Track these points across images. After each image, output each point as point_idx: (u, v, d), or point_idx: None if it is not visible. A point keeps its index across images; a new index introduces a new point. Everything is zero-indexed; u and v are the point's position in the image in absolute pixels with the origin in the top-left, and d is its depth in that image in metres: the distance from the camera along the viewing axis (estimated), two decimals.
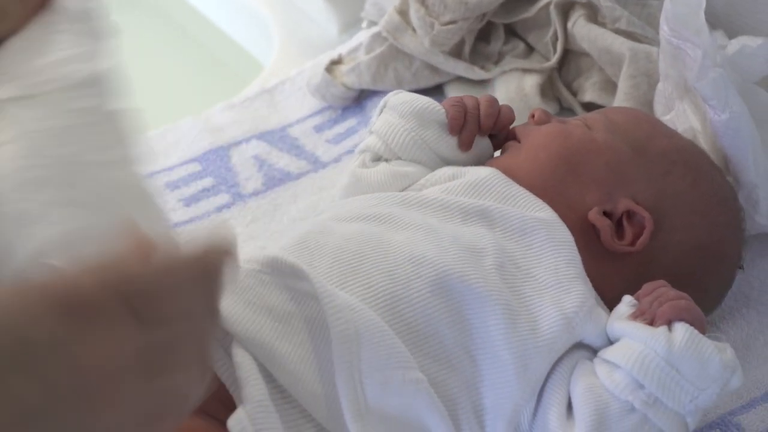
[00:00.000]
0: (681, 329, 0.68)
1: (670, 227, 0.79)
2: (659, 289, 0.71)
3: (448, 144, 0.85)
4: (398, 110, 0.85)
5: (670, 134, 0.85)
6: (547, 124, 0.83)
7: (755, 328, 0.86)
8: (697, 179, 0.81)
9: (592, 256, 0.76)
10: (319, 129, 1.11)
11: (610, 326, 0.71)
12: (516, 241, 0.74)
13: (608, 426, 0.67)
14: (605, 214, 0.78)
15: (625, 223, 0.78)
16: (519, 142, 0.83)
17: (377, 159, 0.86)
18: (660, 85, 0.94)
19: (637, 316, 0.70)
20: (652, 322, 0.69)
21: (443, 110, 0.85)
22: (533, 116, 0.85)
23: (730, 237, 0.82)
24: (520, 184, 0.79)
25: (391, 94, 0.87)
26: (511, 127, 0.85)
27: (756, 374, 0.82)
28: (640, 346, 0.67)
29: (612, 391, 0.68)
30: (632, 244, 0.77)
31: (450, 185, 0.80)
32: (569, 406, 0.69)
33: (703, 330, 0.69)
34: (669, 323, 0.68)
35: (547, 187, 0.79)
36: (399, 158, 0.85)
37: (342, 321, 0.65)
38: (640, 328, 0.68)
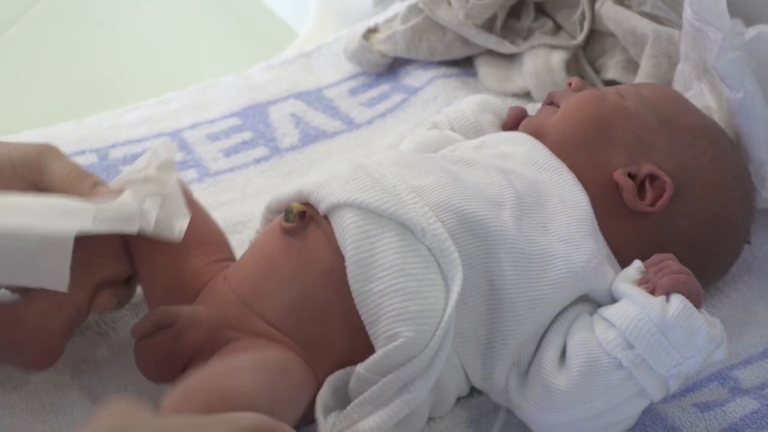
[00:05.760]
0: (676, 300, 0.71)
1: (688, 195, 0.82)
2: (665, 261, 0.74)
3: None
4: (468, 100, 0.94)
5: (696, 112, 0.88)
6: (584, 90, 0.88)
7: (756, 294, 0.90)
8: (717, 155, 0.84)
9: (612, 213, 0.80)
10: (353, 92, 1.15)
11: (615, 286, 0.75)
12: (533, 198, 0.78)
13: (595, 377, 0.71)
14: (629, 176, 0.81)
15: (647, 185, 0.81)
16: (557, 106, 0.87)
17: (433, 128, 0.92)
18: (680, 66, 0.97)
19: (641, 283, 0.73)
20: (653, 291, 0.72)
21: (505, 108, 0.92)
22: (570, 84, 0.89)
23: (741, 211, 0.86)
24: (550, 141, 0.83)
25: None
26: (549, 92, 0.90)
27: (754, 335, 0.86)
28: (636, 310, 0.71)
29: (604, 347, 0.71)
30: (652, 205, 0.81)
31: (478, 149, 0.85)
32: (563, 354, 0.73)
33: (698, 304, 0.72)
34: (667, 294, 0.72)
35: (577, 145, 0.83)
36: (453, 130, 0.91)
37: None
38: (641, 294, 0.72)
